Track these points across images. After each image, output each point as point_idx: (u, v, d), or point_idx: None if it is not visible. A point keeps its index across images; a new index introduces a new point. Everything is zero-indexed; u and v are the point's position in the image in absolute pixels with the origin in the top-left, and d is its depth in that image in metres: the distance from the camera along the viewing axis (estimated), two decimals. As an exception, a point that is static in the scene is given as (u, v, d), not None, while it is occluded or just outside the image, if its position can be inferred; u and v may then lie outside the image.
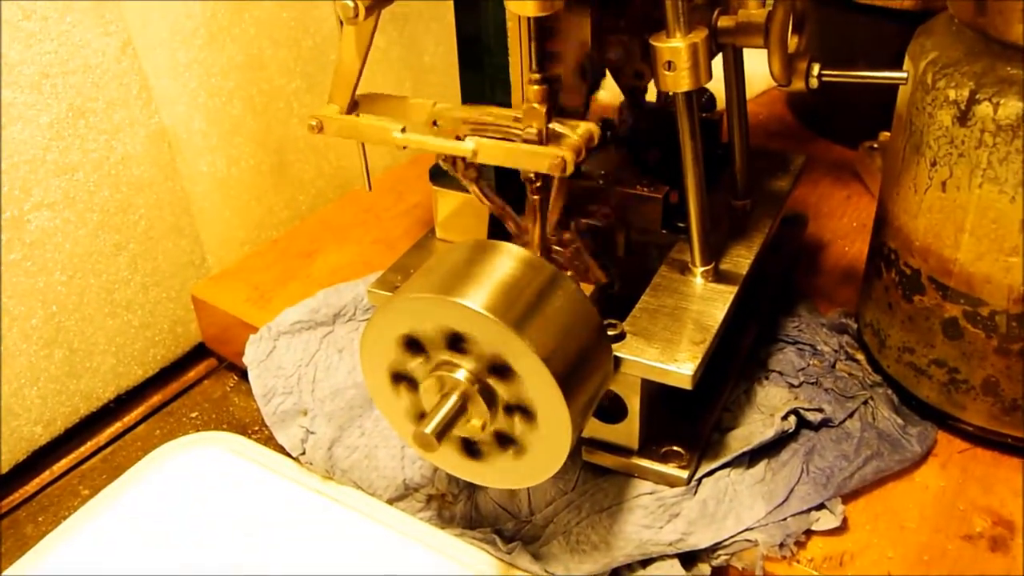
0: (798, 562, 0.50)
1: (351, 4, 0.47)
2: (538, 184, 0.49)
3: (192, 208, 0.73)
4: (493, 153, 0.48)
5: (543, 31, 0.47)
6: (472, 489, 0.56)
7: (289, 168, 0.80)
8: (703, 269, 0.53)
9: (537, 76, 0.46)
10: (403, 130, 0.50)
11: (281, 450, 0.62)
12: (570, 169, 0.46)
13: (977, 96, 0.47)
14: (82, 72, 0.63)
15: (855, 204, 0.78)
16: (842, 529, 0.51)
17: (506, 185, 0.55)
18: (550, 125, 0.47)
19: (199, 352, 0.76)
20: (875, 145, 0.79)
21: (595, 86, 0.53)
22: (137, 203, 0.69)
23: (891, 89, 0.55)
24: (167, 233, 0.72)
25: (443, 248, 0.59)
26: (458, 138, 0.48)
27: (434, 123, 0.50)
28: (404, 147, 0.50)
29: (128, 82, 0.66)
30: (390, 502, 0.58)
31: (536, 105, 0.46)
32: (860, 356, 0.61)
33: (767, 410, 0.56)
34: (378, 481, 0.58)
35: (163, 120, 0.69)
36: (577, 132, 0.47)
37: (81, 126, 0.64)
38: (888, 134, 0.59)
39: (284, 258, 0.76)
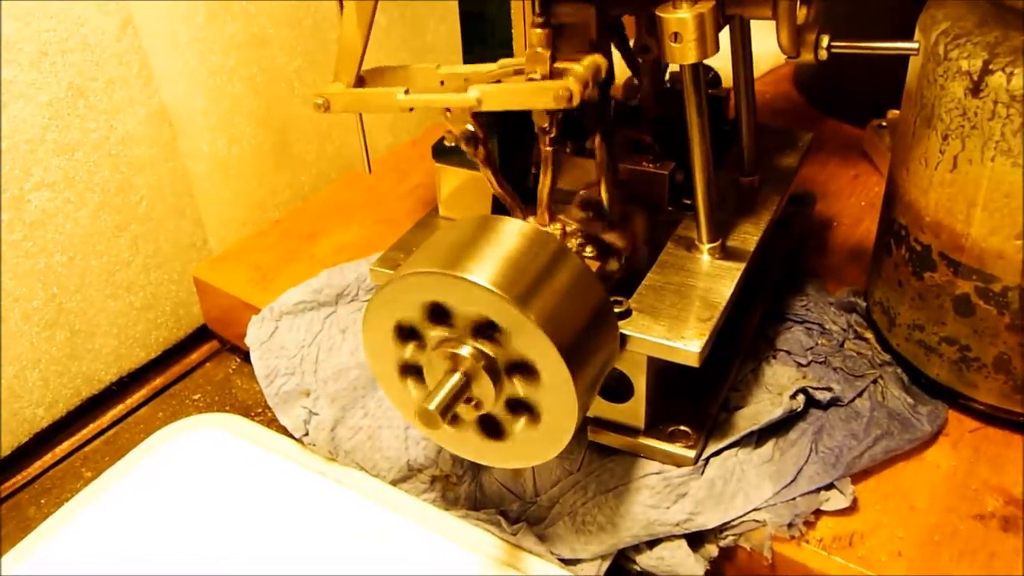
0: (807, 542, 0.49)
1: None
2: (552, 135, 0.48)
3: (193, 188, 0.73)
4: (497, 97, 0.46)
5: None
6: (476, 470, 0.55)
7: (291, 148, 0.79)
8: (710, 246, 0.52)
9: (540, 20, 0.45)
10: (407, 92, 0.49)
11: (284, 432, 0.61)
12: (576, 99, 0.44)
13: (990, 66, 0.46)
14: (81, 50, 0.62)
15: (863, 183, 0.77)
16: (851, 509, 0.50)
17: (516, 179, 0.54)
18: (555, 66, 0.45)
19: (201, 334, 0.76)
20: (883, 124, 0.78)
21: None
22: (138, 183, 0.68)
23: (900, 66, 0.54)
24: (168, 214, 0.71)
25: (446, 225, 0.58)
26: None
27: (442, 84, 0.49)
28: (411, 109, 0.49)
29: (128, 60, 0.65)
30: (394, 483, 0.57)
31: (540, 49, 0.45)
32: (869, 335, 0.60)
33: (775, 389, 0.55)
34: (382, 462, 0.57)
35: (163, 99, 0.68)
36: (583, 64, 0.45)
37: (81, 105, 0.63)
38: (896, 112, 0.58)
39: (286, 239, 0.75)
